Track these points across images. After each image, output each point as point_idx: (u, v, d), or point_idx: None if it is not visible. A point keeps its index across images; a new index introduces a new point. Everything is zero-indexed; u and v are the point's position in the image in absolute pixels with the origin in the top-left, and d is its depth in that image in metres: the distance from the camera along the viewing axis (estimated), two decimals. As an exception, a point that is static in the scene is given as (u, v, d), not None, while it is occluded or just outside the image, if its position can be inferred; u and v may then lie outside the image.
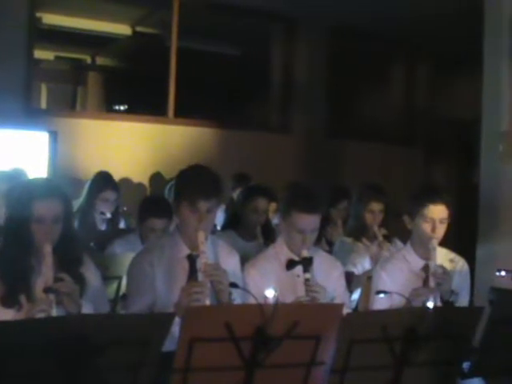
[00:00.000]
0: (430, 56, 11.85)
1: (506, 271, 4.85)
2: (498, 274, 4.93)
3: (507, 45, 6.87)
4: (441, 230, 4.44)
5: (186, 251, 3.96)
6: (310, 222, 4.20)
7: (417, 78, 12.28)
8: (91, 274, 3.76)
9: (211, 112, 10.63)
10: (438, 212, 4.42)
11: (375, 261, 5.43)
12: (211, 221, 3.99)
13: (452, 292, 4.35)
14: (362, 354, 2.95)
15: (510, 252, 6.54)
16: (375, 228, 5.79)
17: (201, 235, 3.81)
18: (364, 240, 5.90)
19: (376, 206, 5.92)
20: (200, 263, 3.79)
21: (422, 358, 3.09)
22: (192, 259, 3.91)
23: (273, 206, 6.35)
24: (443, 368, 3.20)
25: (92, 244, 5.84)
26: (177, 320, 2.93)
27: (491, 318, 3.32)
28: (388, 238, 5.78)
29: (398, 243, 5.71)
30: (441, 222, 4.43)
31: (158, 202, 5.77)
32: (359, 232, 5.96)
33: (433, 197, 4.45)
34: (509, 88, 6.87)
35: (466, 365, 3.38)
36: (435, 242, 4.41)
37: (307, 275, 4.06)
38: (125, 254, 4.89)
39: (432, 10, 9.65)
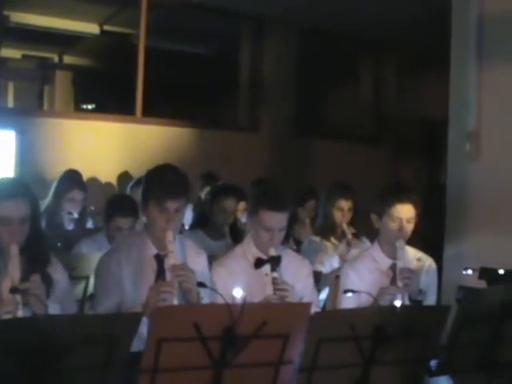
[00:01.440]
0: (397, 56, 11.90)
1: (473, 270, 4.87)
2: (465, 272, 4.95)
3: (474, 45, 6.90)
4: (408, 230, 4.45)
5: (153, 251, 3.94)
6: (277, 220, 4.19)
7: (385, 77, 12.34)
8: (59, 274, 3.74)
9: (179, 111, 10.62)
10: (405, 211, 4.43)
11: (343, 260, 5.45)
12: (179, 220, 3.98)
13: (420, 291, 4.37)
14: (330, 353, 2.96)
15: (477, 251, 6.57)
16: (344, 226, 5.80)
17: (169, 235, 3.80)
18: (332, 239, 5.91)
19: (344, 204, 5.93)
20: (168, 263, 3.79)
21: (389, 357, 3.10)
22: (160, 259, 3.90)
23: (241, 205, 6.35)
24: (411, 366, 3.22)
25: (59, 244, 5.80)
26: (145, 320, 2.92)
27: (458, 317, 3.34)
28: (357, 236, 5.80)
29: (367, 242, 5.73)
30: (408, 221, 4.44)
31: (124, 200, 5.74)
32: (327, 231, 5.97)
33: (400, 196, 4.45)
34: (475, 88, 6.91)
35: (433, 363, 3.39)
36: (402, 242, 4.42)
37: (275, 274, 4.07)
38: (92, 254, 4.85)
39: (400, 11, 9.71)
